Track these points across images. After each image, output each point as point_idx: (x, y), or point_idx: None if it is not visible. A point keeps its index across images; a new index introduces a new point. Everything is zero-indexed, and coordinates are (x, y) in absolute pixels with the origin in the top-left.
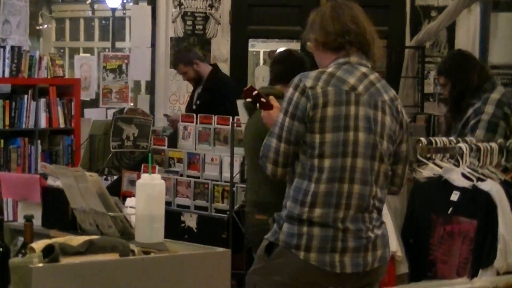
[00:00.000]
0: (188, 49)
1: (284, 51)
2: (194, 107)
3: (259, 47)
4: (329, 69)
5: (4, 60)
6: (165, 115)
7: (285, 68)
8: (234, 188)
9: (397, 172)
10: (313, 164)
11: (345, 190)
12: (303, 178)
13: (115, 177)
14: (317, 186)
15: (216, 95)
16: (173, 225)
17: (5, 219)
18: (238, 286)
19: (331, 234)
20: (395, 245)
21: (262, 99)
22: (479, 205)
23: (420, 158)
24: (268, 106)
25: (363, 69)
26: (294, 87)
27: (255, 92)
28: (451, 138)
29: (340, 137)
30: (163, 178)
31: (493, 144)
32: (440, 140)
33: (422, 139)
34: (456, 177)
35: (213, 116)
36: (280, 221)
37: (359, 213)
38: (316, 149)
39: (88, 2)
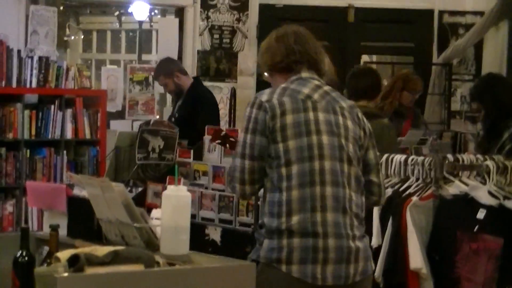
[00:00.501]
0: (170, 60)
1: (363, 66)
2: (173, 119)
3: None
4: (283, 85)
5: (31, 70)
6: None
7: (368, 82)
8: (259, 202)
9: (372, 180)
10: (281, 173)
11: (317, 193)
12: (274, 191)
13: (139, 189)
14: (289, 194)
15: (195, 108)
16: (197, 237)
17: (30, 228)
18: None
19: (311, 244)
20: (420, 262)
21: (231, 139)
22: (505, 223)
23: (447, 175)
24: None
25: (316, 82)
26: (251, 105)
27: (223, 133)
28: (478, 156)
29: (304, 142)
30: (188, 190)
31: None
32: (466, 158)
33: (449, 156)
34: (482, 194)
35: (239, 129)
36: (261, 238)
37: (337, 216)
38: (281, 158)
39: (115, 14)
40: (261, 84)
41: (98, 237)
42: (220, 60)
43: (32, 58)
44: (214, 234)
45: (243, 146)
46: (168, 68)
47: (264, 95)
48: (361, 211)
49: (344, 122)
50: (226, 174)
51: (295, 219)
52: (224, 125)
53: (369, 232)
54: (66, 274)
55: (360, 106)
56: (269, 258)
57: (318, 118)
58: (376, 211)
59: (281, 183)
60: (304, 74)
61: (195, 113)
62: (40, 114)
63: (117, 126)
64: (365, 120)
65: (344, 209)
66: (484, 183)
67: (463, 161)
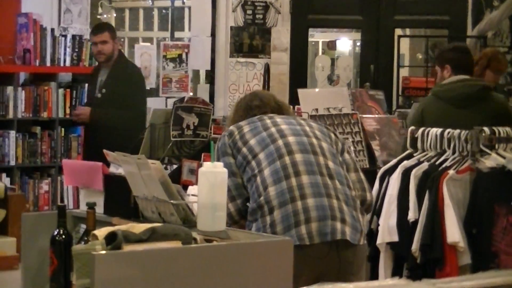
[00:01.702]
0: (109, 23)
1: (461, 43)
2: (99, 95)
3: (318, 37)
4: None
5: (65, 49)
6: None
7: (471, 58)
8: None
9: (353, 179)
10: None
11: (289, 163)
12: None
13: (174, 166)
14: (262, 175)
15: (127, 85)
16: None
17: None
18: None
19: (291, 210)
20: (457, 235)
21: None
22: None
23: (483, 148)
24: None
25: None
26: (220, 154)
27: None
28: None
29: (271, 149)
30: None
31: None
32: (503, 130)
33: (485, 128)
34: None
35: None
36: (249, 226)
37: (315, 178)
38: (255, 169)
39: None
40: (295, 60)
41: (135, 214)
42: (253, 36)
43: (65, 36)
44: None
45: None
46: (113, 29)
47: (227, 137)
48: (352, 201)
49: (307, 122)
50: None
51: (271, 189)
52: None
53: (405, 208)
54: (104, 252)
55: (465, 80)
56: None
57: (278, 126)
58: (412, 185)
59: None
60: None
61: (128, 91)
62: (74, 92)
63: (151, 103)
64: (337, 134)
65: (334, 216)
66: None
67: (499, 133)
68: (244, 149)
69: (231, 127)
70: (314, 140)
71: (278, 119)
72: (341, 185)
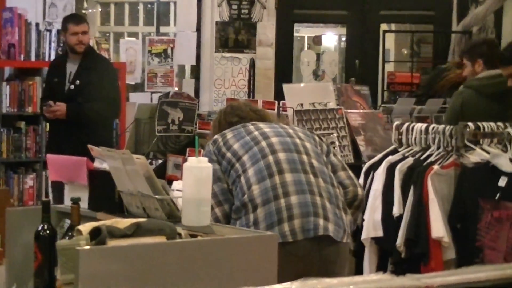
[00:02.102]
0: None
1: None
2: (72, 87)
3: (303, 32)
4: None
5: (50, 44)
6: (46, 105)
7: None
8: None
9: (341, 178)
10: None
11: (271, 161)
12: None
13: (160, 161)
14: (246, 175)
15: (101, 76)
16: None
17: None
18: None
19: (274, 208)
20: (442, 230)
21: None
22: None
23: (468, 144)
24: None
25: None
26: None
27: None
28: (499, 123)
29: (255, 150)
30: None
31: None
32: (487, 125)
33: (470, 124)
34: (504, 162)
35: (259, 100)
36: (234, 224)
37: (298, 175)
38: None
39: None
40: (280, 55)
41: (119, 209)
42: (238, 31)
43: (50, 31)
44: None
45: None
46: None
47: (211, 144)
48: (335, 199)
49: (291, 127)
50: None
51: (255, 188)
52: (243, 96)
53: (390, 203)
54: (88, 247)
55: (500, 75)
56: None
57: (261, 130)
58: (397, 180)
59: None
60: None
61: (102, 82)
62: None
63: (136, 98)
64: (322, 138)
65: (317, 213)
66: (505, 151)
67: (484, 129)
68: (228, 154)
69: (216, 136)
70: (298, 140)
71: (261, 124)
72: (324, 183)
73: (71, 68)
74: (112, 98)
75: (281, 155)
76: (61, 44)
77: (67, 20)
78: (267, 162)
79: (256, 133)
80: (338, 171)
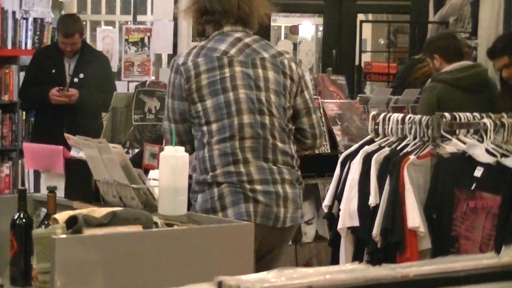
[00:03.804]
0: (78, 17)
1: None
2: (75, 80)
3: (280, 22)
4: (201, 44)
5: (27, 32)
6: (62, 89)
7: None
8: None
9: (303, 126)
10: (203, 131)
11: (237, 146)
12: (199, 148)
13: (136, 150)
14: (211, 150)
15: (102, 69)
16: None
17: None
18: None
19: (240, 189)
20: (418, 220)
21: None
22: (503, 181)
23: (444, 134)
24: None
25: (237, 35)
26: (171, 69)
27: None
28: (475, 113)
29: (221, 100)
30: None
31: None
32: (464, 116)
33: (446, 114)
34: (480, 152)
35: None
36: (195, 196)
37: (260, 164)
38: (201, 117)
39: None
40: None
41: (96, 198)
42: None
43: (27, 19)
44: None
45: (167, 109)
46: (82, 26)
47: (181, 58)
48: (290, 159)
49: (264, 73)
50: None
51: (219, 171)
52: None
53: (366, 192)
54: (64, 236)
55: (472, 66)
56: (204, 209)
57: (235, 74)
58: (373, 170)
59: (204, 139)
60: (226, 28)
61: (103, 74)
62: None
63: None
64: (293, 66)
65: (266, 158)
66: (482, 141)
67: (460, 119)
68: (199, 107)
69: (189, 66)
70: (263, 94)
71: (237, 68)
72: (283, 156)
73: (70, 62)
74: (113, 90)
75: (245, 118)
76: (38, 33)
77: (59, 26)
78: (233, 146)
79: (227, 73)
80: (299, 118)
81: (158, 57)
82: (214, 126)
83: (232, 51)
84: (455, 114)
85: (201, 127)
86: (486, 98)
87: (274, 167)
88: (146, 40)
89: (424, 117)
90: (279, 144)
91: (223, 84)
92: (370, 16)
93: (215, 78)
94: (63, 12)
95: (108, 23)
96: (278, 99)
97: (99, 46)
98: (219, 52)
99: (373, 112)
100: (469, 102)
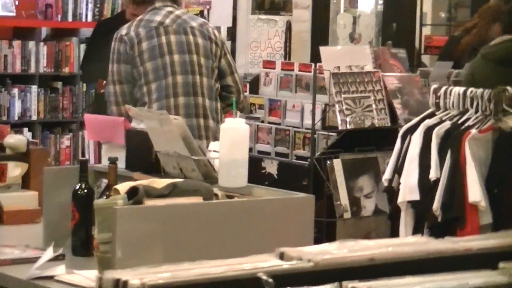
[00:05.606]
0: None
1: None
2: None
3: None
4: (139, 17)
5: (87, 4)
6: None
7: None
8: (315, 135)
9: (228, 83)
10: (143, 91)
11: (171, 103)
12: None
13: None
14: (150, 107)
15: None
16: (254, 171)
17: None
18: (318, 233)
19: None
20: (478, 195)
21: None
22: None
23: (506, 108)
24: None
25: (169, 8)
26: (114, 40)
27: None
28: None
29: (158, 63)
30: None
31: None
32: None
33: (509, 88)
34: None
35: (295, 63)
36: None
37: (191, 120)
38: (142, 78)
39: None
40: (316, 18)
41: (156, 169)
42: None
43: None
44: (271, 167)
45: (111, 74)
46: None
47: (123, 30)
48: (216, 114)
49: (195, 40)
50: (281, 108)
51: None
52: (279, 58)
53: (427, 166)
54: (125, 206)
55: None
56: None
57: (170, 41)
58: (434, 144)
59: (144, 99)
60: (157, 4)
61: None
62: None
63: None
64: (216, 33)
65: (197, 114)
66: None
67: None
68: (141, 69)
69: (132, 35)
70: (194, 57)
71: (172, 35)
72: (211, 112)
73: None
74: None
75: (179, 78)
76: (98, 5)
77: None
78: (166, 83)
79: (164, 40)
80: (225, 77)
81: (217, 30)
82: (153, 86)
83: (167, 21)
84: None
85: (141, 88)
86: None
87: (202, 123)
88: (205, 12)
89: (486, 90)
90: (207, 101)
91: (161, 50)
92: None
93: (154, 44)
94: None
95: None
96: (206, 61)
97: None
98: (155, 23)
99: (434, 86)
100: (503, 75)
